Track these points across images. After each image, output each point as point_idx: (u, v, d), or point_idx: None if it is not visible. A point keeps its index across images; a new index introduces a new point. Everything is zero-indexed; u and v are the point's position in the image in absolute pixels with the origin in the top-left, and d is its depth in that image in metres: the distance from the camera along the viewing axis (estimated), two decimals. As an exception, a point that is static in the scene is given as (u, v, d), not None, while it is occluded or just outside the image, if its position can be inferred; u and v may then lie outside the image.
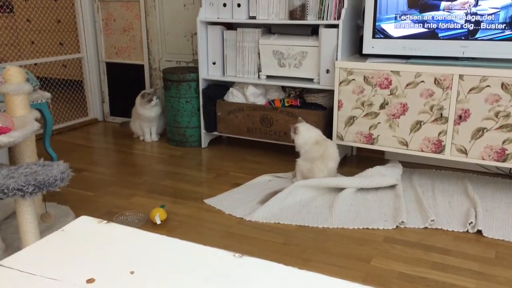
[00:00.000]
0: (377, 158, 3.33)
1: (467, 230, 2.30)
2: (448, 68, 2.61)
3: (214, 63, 3.49)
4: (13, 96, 2.22)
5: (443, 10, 2.69)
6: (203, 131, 3.61)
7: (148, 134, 3.81)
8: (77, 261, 0.86)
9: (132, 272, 0.83)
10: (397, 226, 2.35)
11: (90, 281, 0.80)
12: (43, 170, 1.85)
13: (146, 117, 3.72)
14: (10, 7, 5.33)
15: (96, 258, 0.87)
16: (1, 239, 2.06)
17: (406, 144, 2.82)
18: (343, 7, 2.93)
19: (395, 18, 2.80)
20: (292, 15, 3.09)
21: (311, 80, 3.19)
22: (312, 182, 2.71)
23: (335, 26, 2.97)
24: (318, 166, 2.75)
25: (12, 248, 2.05)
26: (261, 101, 3.39)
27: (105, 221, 1.00)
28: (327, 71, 3.06)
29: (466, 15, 2.64)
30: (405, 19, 2.78)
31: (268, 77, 3.34)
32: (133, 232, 0.96)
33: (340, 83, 2.91)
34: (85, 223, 1.01)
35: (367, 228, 2.35)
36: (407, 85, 2.73)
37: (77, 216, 2.33)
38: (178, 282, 0.80)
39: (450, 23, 2.69)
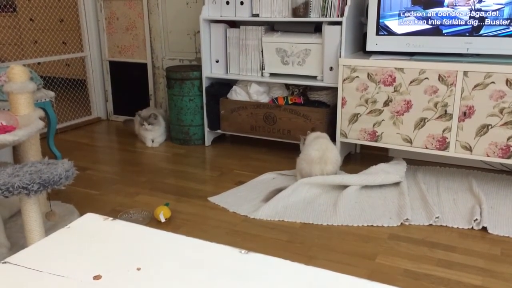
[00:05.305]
0: (381, 155, 3.32)
1: (472, 227, 2.30)
2: (453, 65, 2.60)
3: (217, 61, 3.49)
4: (17, 94, 2.22)
5: (447, 6, 2.68)
6: (206, 129, 3.61)
7: (149, 142, 3.69)
8: (84, 258, 0.86)
9: (138, 269, 0.82)
10: (401, 223, 2.35)
11: (97, 277, 0.80)
12: (47, 169, 1.85)
13: (143, 135, 3.68)
14: (13, 6, 5.34)
15: (102, 255, 0.87)
16: (6, 238, 2.07)
17: (410, 141, 2.81)
18: (346, 4, 2.92)
19: (399, 14, 2.79)
20: (295, 12, 3.09)
21: (314, 77, 3.18)
22: (316, 180, 2.71)
23: (339, 23, 2.97)
24: (315, 169, 2.73)
25: (17, 247, 2.06)
26: (264, 99, 3.38)
27: (111, 218, 1.00)
28: (331, 68, 3.05)
29: (471, 11, 2.63)
30: (409, 16, 2.77)
31: (272, 74, 3.34)
32: (139, 229, 0.96)
33: (344, 80, 2.91)
34: (91, 220, 1.01)
35: (372, 226, 2.34)
36: (411, 82, 2.72)
37: (81, 214, 2.33)
38: (185, 279, 0.80)
39: (454, 20, 2.68)
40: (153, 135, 3.66)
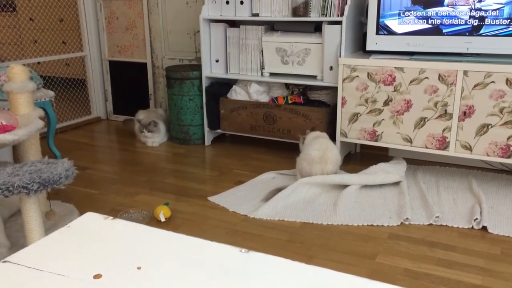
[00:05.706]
0: (381, 155, 3.32)
1: (472, 227, 2.30)
2: (453, 64, 2.60)
3: (217, 61, 3.49)
4: (17, 94, 2.22)
5: (447, 6, 2.67)
6: (206, 129, 3.60)
7: (150, 142, 3.69)
8: (84, 257, 0.86)
9: (139, 268, 0.82)
10: (401, 223, 2.35)
11: (97, 276, 0.80)
12: (47, 168, 1.85)
13: (143, 140, 3.70)
14: (13, 6, 5.34)
15: (102, 254, 0.87)
16: (6, 237, 2.07)
17: (410, 141, 2.81)
18: (346, 3, 2.92)
19: (399, 14, 2.78)
20: (295, 12, 3.09)
21: (314, 77, 3.18)
22: (316, 179, 2.70)
23: (339, 22, 2.97)
24: (316, 169, 2.73)
25: (17, 246, 2.06)
26: (264, 98, 3.38)
27: (111, 217, 1.00)
28: (331, 68, 3.05)
29: (470, 10, 2.63)
30: (408, 15, 2.77)
31: (271, 74, 3.34)
32: (139, 228, 0.96)
33: (344, 80, 2.91)
34: (91, 219, 1.00)
35: (372, 225, 2.34)
36: (411, 82, 2.72)
37: (81, 214, 2.33)
38: (185, 278, 0.79)
39: (454, 19, 2.68)
40: (153, 140, 3.67)
